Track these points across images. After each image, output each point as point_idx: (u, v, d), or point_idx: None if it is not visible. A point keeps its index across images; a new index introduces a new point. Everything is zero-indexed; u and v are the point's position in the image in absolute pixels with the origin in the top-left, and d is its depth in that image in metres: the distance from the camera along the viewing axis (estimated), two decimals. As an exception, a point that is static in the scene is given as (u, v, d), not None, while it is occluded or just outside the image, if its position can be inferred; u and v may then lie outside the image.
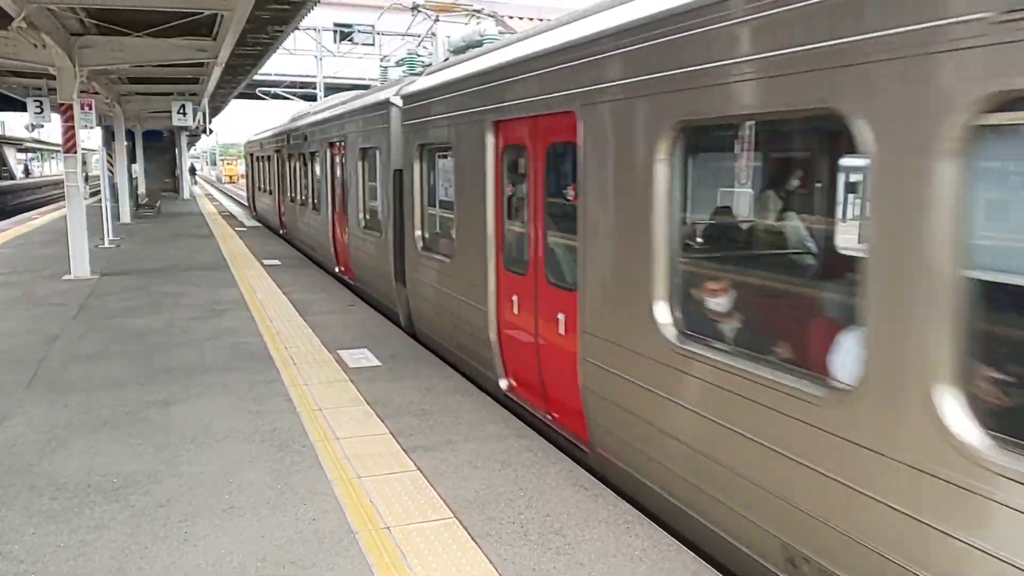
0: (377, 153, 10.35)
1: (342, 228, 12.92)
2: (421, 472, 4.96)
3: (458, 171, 7.28)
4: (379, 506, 4.48)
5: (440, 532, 4.17)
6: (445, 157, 8.15)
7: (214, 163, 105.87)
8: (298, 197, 17.65)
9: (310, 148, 15.50)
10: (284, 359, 7.73)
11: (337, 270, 13.50)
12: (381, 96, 10.37)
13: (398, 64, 16.91)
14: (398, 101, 9.32)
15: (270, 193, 23.07)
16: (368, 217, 11.30)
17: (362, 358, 7.74)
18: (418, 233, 8.74)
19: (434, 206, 8.70)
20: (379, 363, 7.57)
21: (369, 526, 4.24)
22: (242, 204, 37.33)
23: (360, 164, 11.36)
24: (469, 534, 4.15)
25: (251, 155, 29.34)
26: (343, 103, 13.62)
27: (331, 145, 13.38)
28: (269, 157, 22.76)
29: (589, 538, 4.11)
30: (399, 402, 6.36)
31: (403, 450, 5.33)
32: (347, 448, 5.37)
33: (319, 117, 15.02)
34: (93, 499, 4.59)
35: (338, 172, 13.02)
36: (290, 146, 18.21)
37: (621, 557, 3.92)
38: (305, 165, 16.35)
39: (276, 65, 32.02)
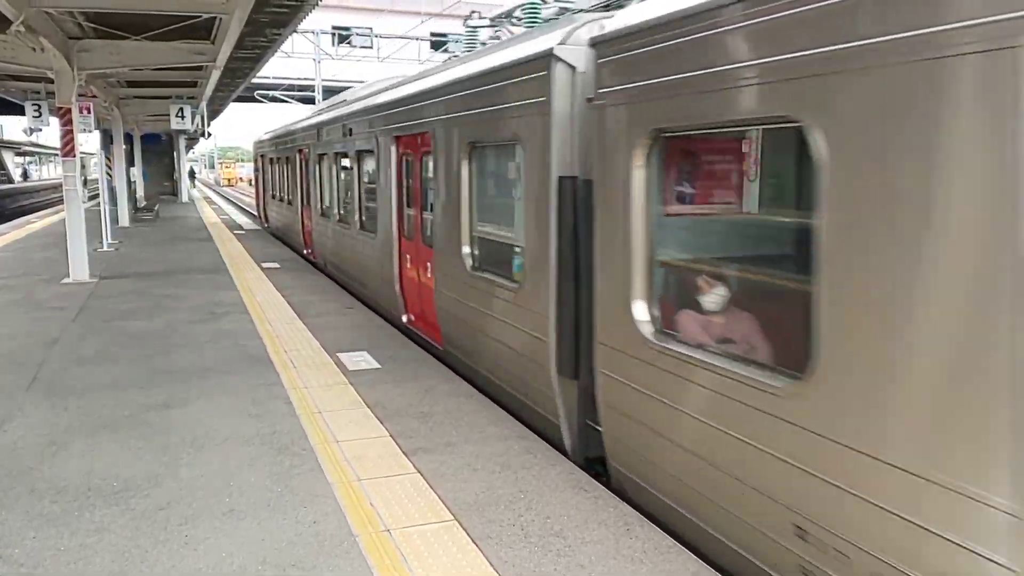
0: (510, 150, 6.51)
1: (420, 264, 8.92)
2: (421, 474, 4.96)
3: (837, 182, 3.14)
4: (379, 508, 4.48)
5: (440, 534, 4.18)
6: (739, 153, 4.79)
7: (212, 166, 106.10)
8: (335, 211, 13.51)
9: (358, 145, 11.54)
10: (284, 362, 7.73)
11: (405, 319, 9.59)
12: (526, 50, 5.99)
13: (493, 22, 10.50)
14: (574, 55, 5.30)
15: (290, 203, 18.74)
16: (479, 253, 7.31)
17: (361, 360, 7.74)
18: (641, 306, 4.64)
19: (678, 249, 5.07)
20: (379, 365, 7.57)
21: (369, 528, 4.25)
22: (243, 208, 37.35)
23: (465, 168, 7.24)
24: (469, 536, 4.15)
25: (262, 156, 24.54)
26: (418, 78, 9.66)
27: (398, 140, 9.54)
28: (289, 158, 18.35)
29: (589, 540, 4.11)
30: (399, 404, 6.36)
31: (403, 452, 5.33)
32: (347, 451, 5.37)
33: (375, 101, 10.69)
34: (93, 502, 4.60)
35: (413, 180, 9.28)
36: (322, 143, 14.27)
37: (621, 559, 3.92)
38: (348, 169, 12.48)
39: (274, 68, 32.28)
